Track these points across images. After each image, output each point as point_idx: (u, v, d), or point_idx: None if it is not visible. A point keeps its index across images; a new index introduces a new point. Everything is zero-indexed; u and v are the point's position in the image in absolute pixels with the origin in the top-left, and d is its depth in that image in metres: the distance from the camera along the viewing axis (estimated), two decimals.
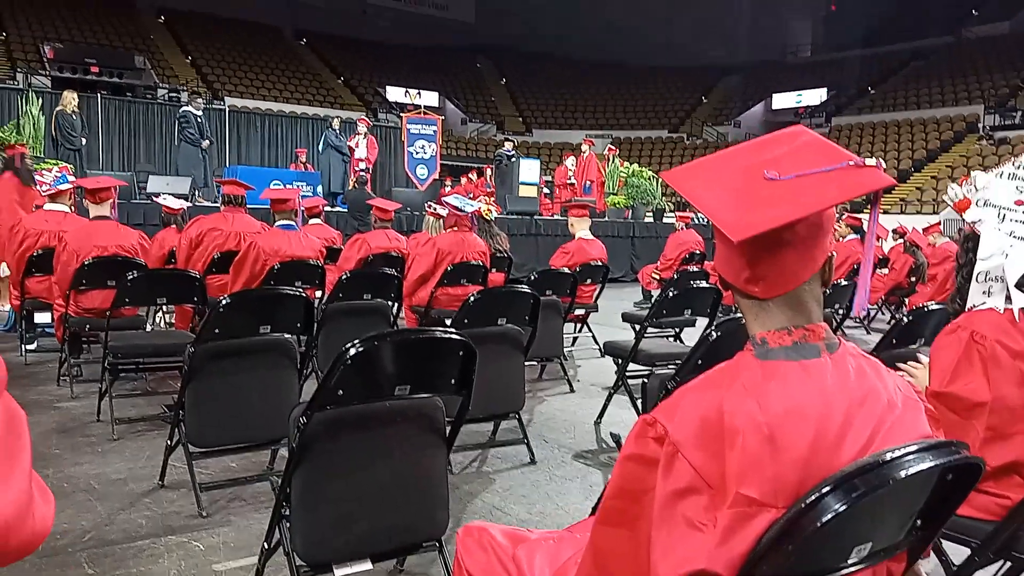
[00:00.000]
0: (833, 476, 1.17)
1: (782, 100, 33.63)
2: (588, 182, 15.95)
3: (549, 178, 18.11)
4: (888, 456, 1.18)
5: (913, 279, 9.61)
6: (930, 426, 1.33)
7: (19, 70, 22.28)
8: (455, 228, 6.19)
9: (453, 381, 2.45)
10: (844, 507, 1.12)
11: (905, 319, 3.31)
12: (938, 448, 1.25)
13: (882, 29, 32.75)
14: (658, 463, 1.19)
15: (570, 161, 16.50)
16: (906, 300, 9.46)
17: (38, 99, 11.21)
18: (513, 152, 16.48)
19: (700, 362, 2.87)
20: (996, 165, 2.30)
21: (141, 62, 21.93)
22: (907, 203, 22.31)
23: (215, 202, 11.12)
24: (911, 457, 1.19)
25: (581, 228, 6.89)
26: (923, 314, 3.48)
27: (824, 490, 1.14)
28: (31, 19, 25.99)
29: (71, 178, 5.99)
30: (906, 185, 23.81)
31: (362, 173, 12.93)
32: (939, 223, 10.81)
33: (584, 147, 16.60)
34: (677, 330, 5.99)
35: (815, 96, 32.68)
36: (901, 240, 10.41)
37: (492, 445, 4.24)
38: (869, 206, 1.33)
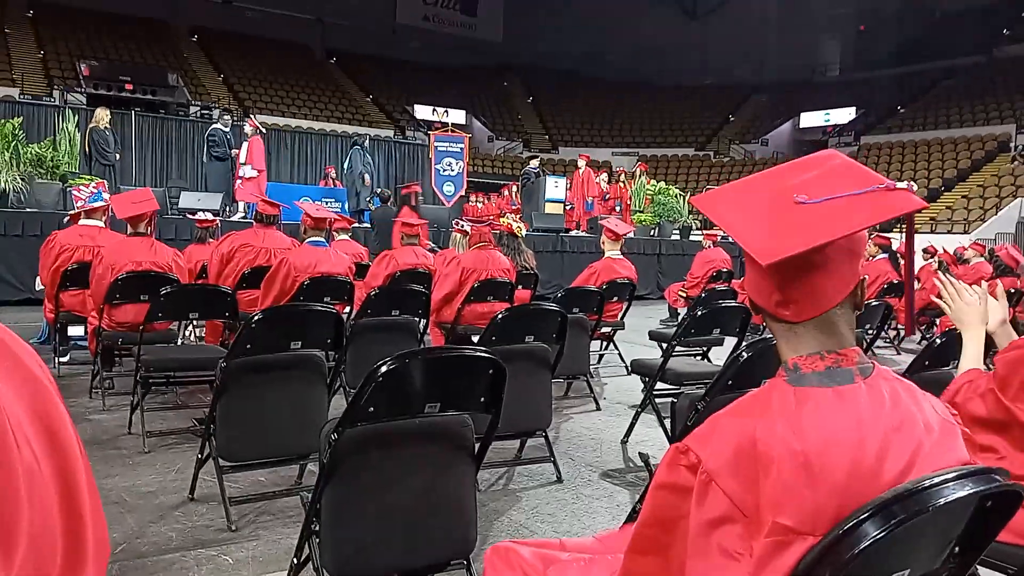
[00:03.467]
0: (871, 503, 1.16)
1: (810, 119, 33.45)
2: (590, 199, 15.82)
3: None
4: (926, 483, 1.18)
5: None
6: (967, 449, 1.32)
7: (56, 87, 22.78)
8: (480, 245, 6.22)
9: (483, 399, 2.45)
10: (882, 534, 1.11)
11: (938, 340, 3.26)
12: (977, 475, 1.23)
13: (911, 49, 32.53)
14: (691, 492, 1.19)
15: (603, 178, 16.45)
16: (937, 320, 9.33)
17: (74, 116, 11.44)
18: (539, 169, 16.52)
19: (730, 383, 2.85)
20: None
21: (174, 79, 22.31)
22: (937, 222, 22.05)
23: (244, 217, 11.29)
24: (950, 484, 1.18)
25: (612, 248, 6.90)
26: (956, 335, 3.43)
27: (862, 517, 1.14)
28: (68, 38, 26.59)
29: (106, 195, 6.08)
30: (936, 204, 23.53)
31: (383, 189, 13.04)
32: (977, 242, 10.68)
33: (580, 162, 16.44)
34: (705, 349, 5.97)
35: (844, 115, 32.45)
36: (932, 259, 10.30)
37: (519, 463, 4.24)
38: (902, 227, 1.32)
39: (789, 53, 35.02)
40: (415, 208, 7.68)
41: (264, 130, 13.53)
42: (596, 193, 15.84)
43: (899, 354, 8.81)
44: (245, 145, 12.76)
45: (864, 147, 29.22)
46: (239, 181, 12.57)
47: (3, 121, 9.97)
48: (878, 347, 8.43)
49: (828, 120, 32.75)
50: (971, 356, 2.28)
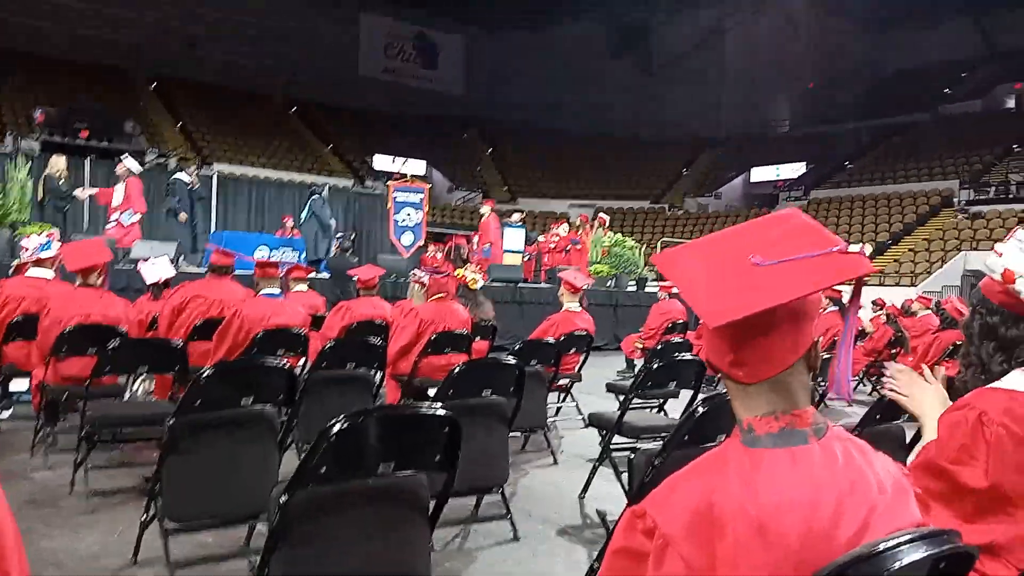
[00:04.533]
0: (827, 568, 1.16)
1: (761, 173, 34.29)
2: (487, 244, 15.90)
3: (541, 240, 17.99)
4: (881, 547, 1.18)
5: (894, 350, 9.68)
6: (919, 510, 1.32)
7: (9, 133, 22.42)
8: (438, 297, 6.19)
9: (438, 458, 2.42)
10: None
11: (884, 399, 3.31)
12: (931, 537, 1.24)
13: (860, 105, 33.70)
14: (648, 556, 1.18)
15: (562, 228, 16.55)
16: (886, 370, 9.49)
17: (27, 163, 11.21)
18: (519, 223, 16.58)
19: (686, 438, 2.85)
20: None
21: (131, 127, 22.13)
22: (885, 275, 22.61)
23: (200, 266, 11.11)
24: (903, 547, 1.19)
25: (571, 300, 6.92)
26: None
27: None
28: (23, 85, 26.27)
29: (56, 244, 5.95)
30: (884, 257, 24.16)
31: (342, 239, 12.94)
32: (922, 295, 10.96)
33: (484, 209, 16.43)
34: (661, 401, 5.98)
35: (793, 170, 33.33)
36: (881, 312, 10.53)
37: (475, 520, 4.17)
38: (852, 289, 1.35)
39: (743, 108, 36.07)
40: (464, 261, 7.70)
41: (140, 169, 12.28)
42: (495, 240, 15.92)
43: (850, 405, 8.91)
44: (121, 187, 11.54)
45: (814, 201, 29.99)
46: (111, 227, 11.51)
47: None
48: (830, 398, 8.52)
49: (779, 175, 33.60)
50: (929, 431, 2.27)
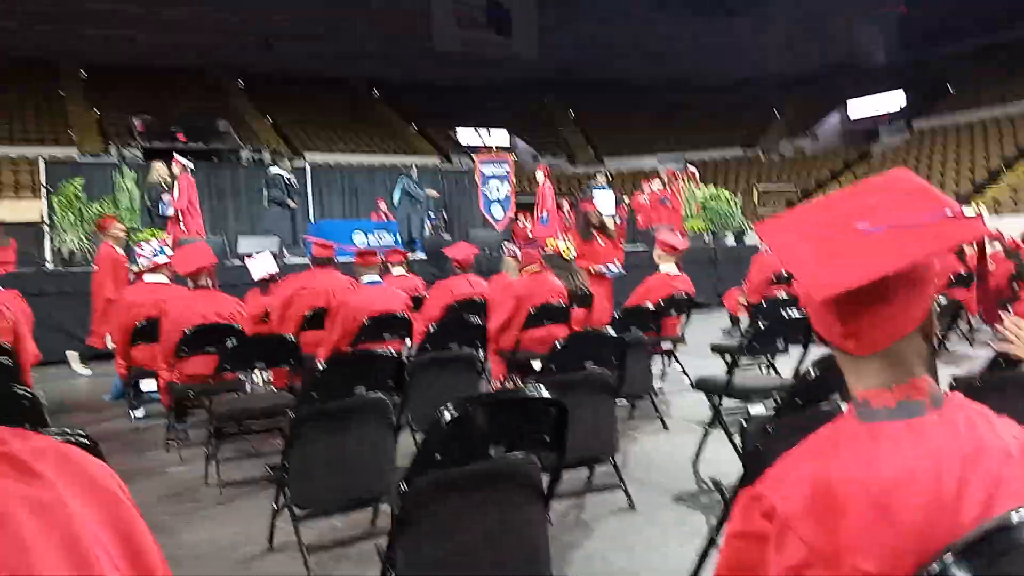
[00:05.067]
0: (956, 543, 1.12)
1: (859, 108, 32.65)
2: (544, 213, 15.21)
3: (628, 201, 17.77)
4: (1014, 518, 1.13)
5: (1016, 285, 9.18)
6: None
7: (112, 143, 23.64)
8: (532, 270, 6.22)
9: (547, 439, 2.45)
10: None
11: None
12: None
13: (957, 25, 31.63)
14: (768, 539, 1.17)
15: (654, 184, 16.22)
16: (1009, 309, 9.01)
17: (132, 172, 11.79)
18: (603, 185, 16.39)
19: (799, 402, 2.80)
20: None
21: (224, 126, 22.94)
22: (1001, 204, 21.29)
23: (303, 257, 11.48)
24: None
25: (667, 263, 6.83)
26: None
27: (947, 559, 1.10)
28: (119, 95, 27.58)
29: (169, 250, 6.28)
30: (998, 185, 22.78)
31: (436, 220, 13.10)
32: None
33: (538, 174, 15.58)
34: (770, 357, 5.86)
35: (893, 101, 31.59)
36: (998, 244, 9.97)
37: (589, 491, 4.21)
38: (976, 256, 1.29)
39: (832, 40, 34.38)
40: (602, 230, 7.72)
41: (192, 166, 12.39)
42: (552, 207, 15.47)
43: (972, 346, 8.53)
44: (176, 186, 11.80)
45: (918, 133, 28.50)
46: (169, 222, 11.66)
47: (65, 183, 10.37)
48: (951, 342, 8.17)
49: (877, 109, 31.91)
50: None
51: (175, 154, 12.46)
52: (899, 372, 1.23)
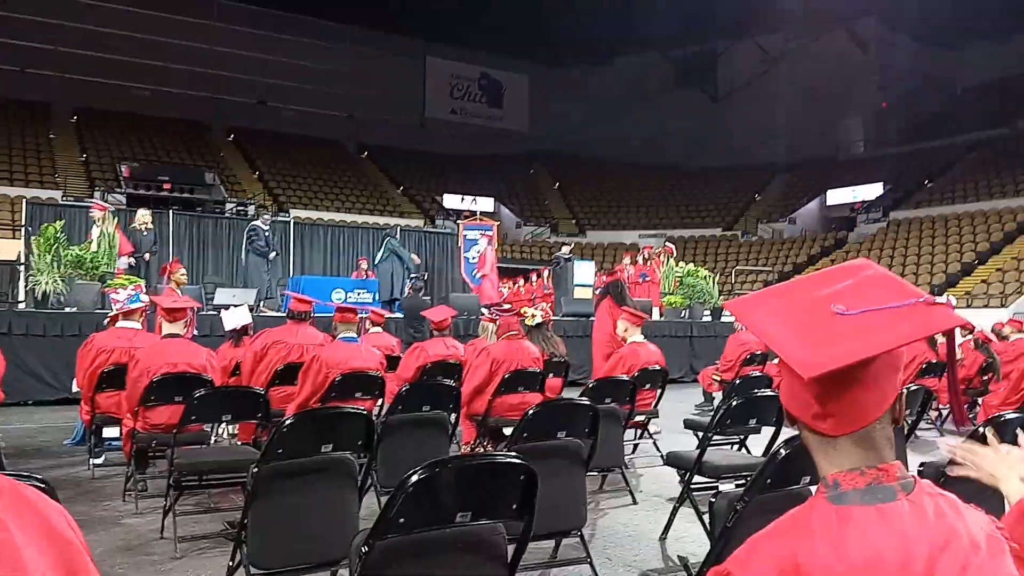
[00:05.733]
0: None
1: (837, 196, 33.44)
2: (478, 273, 16.14)
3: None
4: None
5: (986, 377, 9.27)
6: (1016, 566, 1.26)
7: (97, 188, 23.61)
8: (510, 335, 6.22)
9: (515, 506, 2.41)
10: None
11: (980, 430, 3.16)
12: None
13: (936, 123, 32.73)
14: None
15: (627, 260, 16.48)
16: (979, 401, 9.08)
17: (114, 217, 11.74)
18: (569, 255, 16.61)
19: (769, 481, 2.78)
20: None
21: (211, 178, 23.06)
22: (973, 296, 21.69)
23: (279, 311, 11.42)
24: None
25: (634, 334, 6.84)
26: (1000, 423, 3.35)
27: None
28: (109, 141, 27.72)
29: (144, 296, 6.22)
30: (971, 278, 23.23)
31: (416, 280, 13.15)
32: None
33: (482, 240, 16.59)
34: (742, 437, 5.84)
35: (871, 191, 32.43)
36: (969, 336, 10.09)
37: (553, 564, 4.12)
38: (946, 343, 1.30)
39: (812, 132, 35.37)
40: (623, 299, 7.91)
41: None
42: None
43: (941, 435, 8.55)
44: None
45: (894, 223, 29.12)
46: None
47: (45, 225, 10.30)
48: (920, 428, 8.18)
49: (855, 197, 32.70)
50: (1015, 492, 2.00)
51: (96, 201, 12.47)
52: (870, 455, 1.22)
